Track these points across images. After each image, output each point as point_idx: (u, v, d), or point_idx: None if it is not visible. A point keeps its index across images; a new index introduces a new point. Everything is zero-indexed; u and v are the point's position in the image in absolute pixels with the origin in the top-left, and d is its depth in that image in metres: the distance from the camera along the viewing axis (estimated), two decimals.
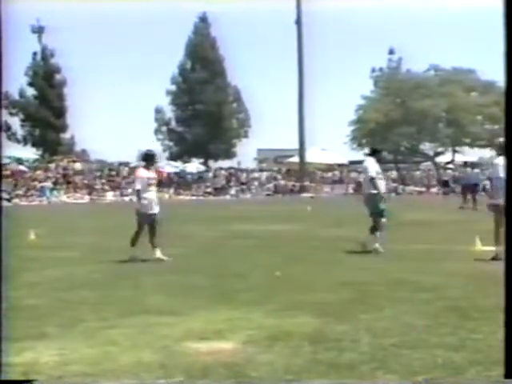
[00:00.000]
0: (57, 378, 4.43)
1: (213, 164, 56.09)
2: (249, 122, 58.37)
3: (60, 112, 51.88)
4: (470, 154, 56.49)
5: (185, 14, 55.63)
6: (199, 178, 48.61)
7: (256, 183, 49.71)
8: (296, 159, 52.65)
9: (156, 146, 61.50)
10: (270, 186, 49.66)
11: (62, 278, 8.75)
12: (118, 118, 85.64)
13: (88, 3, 45.92)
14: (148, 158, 11.05)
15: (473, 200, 25.00)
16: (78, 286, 8.04)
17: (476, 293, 7.15)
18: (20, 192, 38.34)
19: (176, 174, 48.21)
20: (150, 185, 10.69)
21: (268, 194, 47.22)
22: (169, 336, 5.42)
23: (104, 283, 8.29)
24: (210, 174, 49.65)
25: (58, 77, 52.26)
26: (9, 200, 34.33)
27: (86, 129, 74.88)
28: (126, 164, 48.67)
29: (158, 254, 10.46)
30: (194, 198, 41.90)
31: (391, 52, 57.92)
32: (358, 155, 58.67)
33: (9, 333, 4.76)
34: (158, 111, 57.67)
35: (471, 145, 56.30)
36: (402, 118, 53.76)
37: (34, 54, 51.87)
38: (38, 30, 50.82)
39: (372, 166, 11.76)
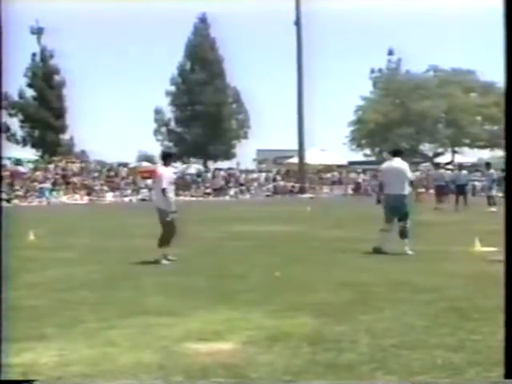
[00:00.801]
0: (56, 378, 4.43)
1: (212, 165, 56.13)
2: (248, 123, 58.44)
3: (59, 113, 51.91)
4: (470, 155, 56.61)
5: (184, 15, 55.72)
6: (198, 176, 48.59)
7: (255, 184, 49.71)
8: (295, 160, 52.66)
9: (155, 147, 61.73)
10: (270, 186, 49.68)
11: (62, 279, 8.75)
12: (118, 118, 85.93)
13: (87, 4, 45.94)
14: (167, 157, 11.18)
15: (464, 201, 25.04)
16: (77, 287, 8.04)
17: (476, 294, 7.15)
18: (19, 193, 38.32)
19: (175, 174, 48.13)
20: (171, 183, 10.73)
21: (267, 195, 47.22)
22: (168, 337, 5.42)
23: (103, 284, 8.28)
24: (209, 175, 49.65)
25: (57, 78, 52.29)
26: (8, 201, 34.31)
27: (86, 130, 75.23)
28: (126, 165, 48.70)
29: (170, 256, 10.48)
30: (193, 198, 41.87)
31: (390, 53, 58.03)
32: (358, 156, 58.92)
33: (8, 333, 4.75)
34: (158, 112, 57.72)
35: (471, 145, 56.41)
36: (401, 119, 53.86)
37: (34, 54, 51.92)
38: (38, 31, 50.87)
39: (407, 167, 11.60)
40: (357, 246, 12.06)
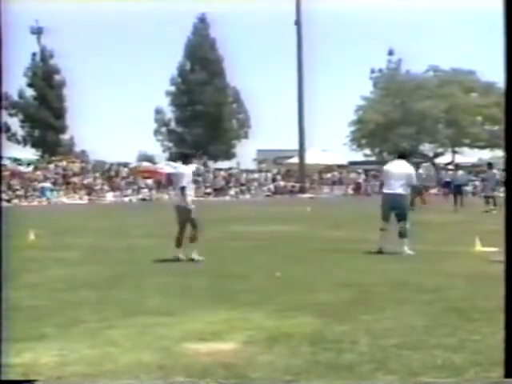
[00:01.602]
0: (56, 378, 4.43)
1: (212, 165, 56.08)
2: (248, 123, 58.40)
3: (59, 113, 51.95)
4: (470, 155, 56.58)
5: (184, 15, 55.69)
6: (198, 176, 48.58)
7: (255, 184, 49.70)
8: (295, 160, 52.64)
9: (155, 147, 61.73)
10: (270, 186, 49.67)
11: (62, 279, 8.75)
12: (118, 118, 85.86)
13: (87, 4, 45.93)
14: (186, 157, 11.46)
15: (460, 201, 25.05)
16: (77, 287, 8.04)
17: (476, 294, 7.15)
18: (19, 192, 38.32)
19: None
20: (190, 182, 10.93)
21: (267, 195, 47.21)
22: (168, 337, 5.42)
23: (104, 284, 8.28)
24: (210, 175, 49.63)
25: (57, 77, 52.33)
26: (8, 201, 34.30)
27: (86, 129, 75.06)
28: (126, 164, 48.71)
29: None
30: (193, 198, 41.88)
31: (390, 53, 57.95)
32: (358, 156, 58.88)
33: (9, 333, 4.75)
34: (158, 112, 57.70)
35: (471, 146, 56.33)
36: (401, 119, 53.80)
37: (34, 54, 51.98)
38: (38, 31, 50.92)
39: (412, 171, 11.66)
40: (357, 246, 12.07)
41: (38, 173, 42.10)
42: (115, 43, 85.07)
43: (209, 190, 46.52)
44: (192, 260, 10.43)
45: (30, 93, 51.92)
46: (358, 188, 49.49)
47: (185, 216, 10.76)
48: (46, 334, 5.53)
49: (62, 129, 52.65)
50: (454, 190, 26.00)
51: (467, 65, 56.26)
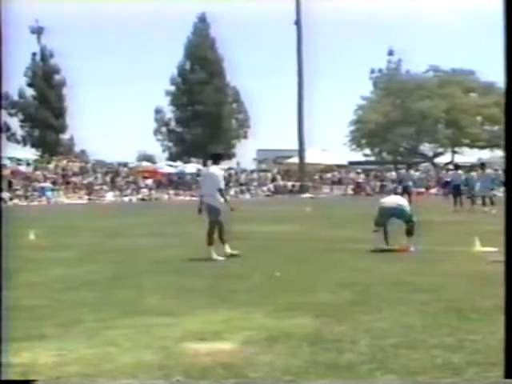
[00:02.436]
0: (56, 378, 4.43)
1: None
2: (248, 123, 58.41)
3: (59, 112, 51.94)
4: (470, 155, 56.59)
5: (184, 15, 55.73)
6: (198, 176, 48.59)
7: (255, 184, 49.68)
8: (295, 160, 52.63)
9: (155, 147, 61.73)
10: (270, 186, 49.64)
11: (62, 279, 8.75)
12: (118, 118, 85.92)
13: (87, 4, 45.95)
14: (217, 157, 11.71)
15: (460, 201, 25.05)
16: (77, 287, 8.04)
17: (475, 294, 7.15)
18: (19, 192, 38.32)
19: (175, 174, 48.24)
20: (223, 183, 11.20)
21: (267, 195, 47.20)
22: (168, 337, 5.42)
23: (103, 284, 8.28)
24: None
25: (57, 77, 52.33)
26: (8, 201, 34.29)
27: (86, 129, 75.18)
28: (125, 164, 48.71)
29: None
30: (193, 198, 41.82)
31: (390, 53, 57.98)
32: (358, 156, 58.91)
33: (8, 333, 4.75)
34: (158, 112, 57.67)
35: (470, 146, 56.38)
36: (401, 119, 53.84)
37: (34, 54, 51.98)
38: (38, 31, 50.90)
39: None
40: (357, 246, 12.07)
41: (38, 173, 42.09)
42: (115, 43, 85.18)
43: None
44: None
45: (29, 92, 51.95)
46: (357, 188, 49.49)
47: (215, 216, 10.88)
48: (45, 334, 5.53)
49: (62, 128, 52.65)
50: (454, 190, 25.98)
51: (467, 65, 56.40)
